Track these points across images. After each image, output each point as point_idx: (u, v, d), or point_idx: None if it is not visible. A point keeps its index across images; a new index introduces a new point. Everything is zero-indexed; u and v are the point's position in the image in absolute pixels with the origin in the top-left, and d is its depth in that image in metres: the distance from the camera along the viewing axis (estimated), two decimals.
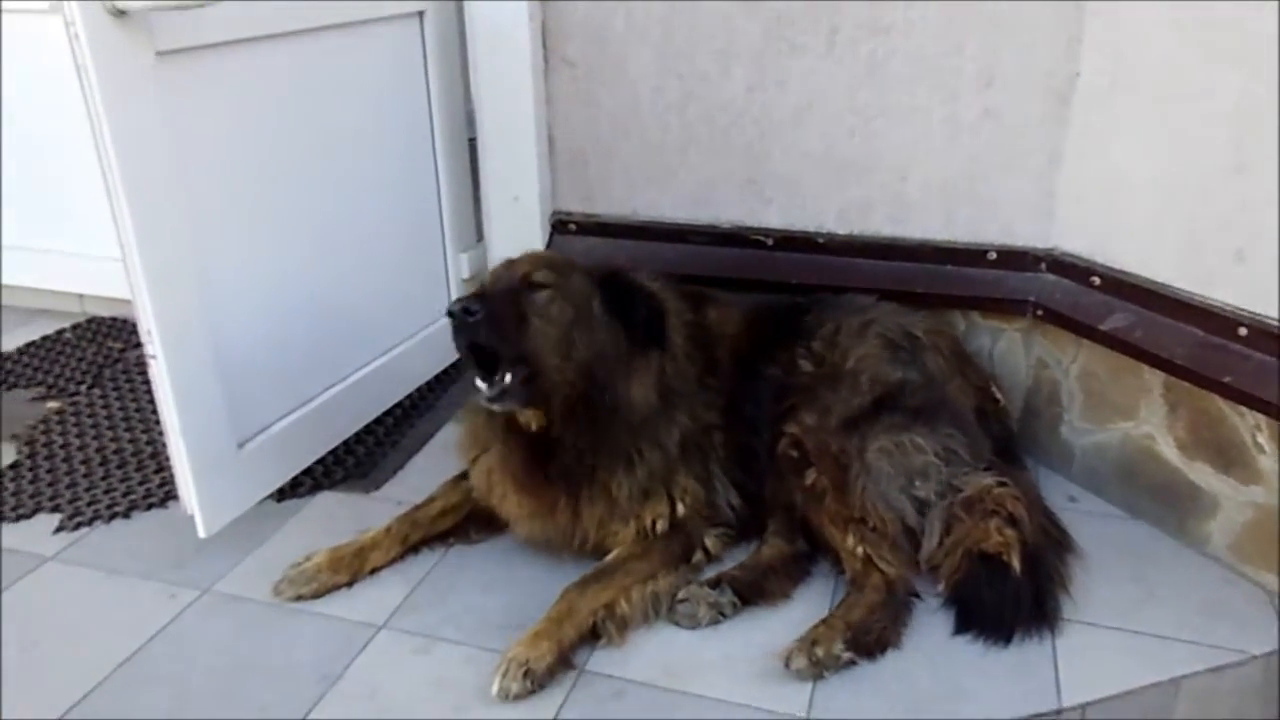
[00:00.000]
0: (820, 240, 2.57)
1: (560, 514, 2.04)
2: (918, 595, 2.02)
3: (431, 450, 2.62)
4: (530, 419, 1.98)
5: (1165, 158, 2.12)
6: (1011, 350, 2.52)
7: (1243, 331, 2.01)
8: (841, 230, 2.56)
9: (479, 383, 1.89)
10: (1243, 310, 2.02)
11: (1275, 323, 1.96)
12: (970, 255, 2.47)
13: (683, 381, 2.09)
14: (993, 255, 2.45)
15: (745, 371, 2.23)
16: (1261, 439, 2.01)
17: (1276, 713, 1.87)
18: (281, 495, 2.41)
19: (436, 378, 2.90)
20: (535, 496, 2.04)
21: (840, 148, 2.49)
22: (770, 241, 2.61)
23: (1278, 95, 1.88)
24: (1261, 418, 1.99)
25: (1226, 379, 2.01)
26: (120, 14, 1.76)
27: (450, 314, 1.85)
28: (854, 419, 2.10)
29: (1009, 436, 2.35)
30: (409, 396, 2.82)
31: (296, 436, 2.41)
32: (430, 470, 2.47)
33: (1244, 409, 2.02)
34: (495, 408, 1.93)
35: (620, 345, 1.98)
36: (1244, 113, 1.95)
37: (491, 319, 1.85)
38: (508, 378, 1.87)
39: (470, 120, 2.79)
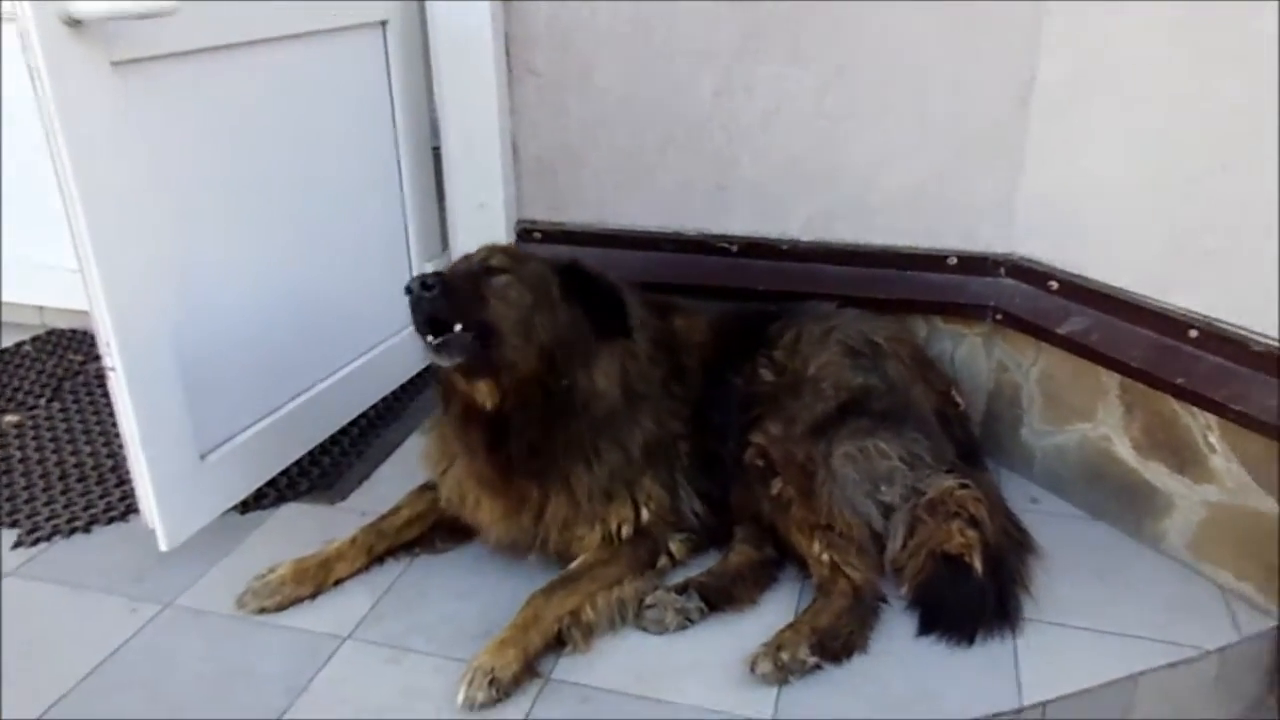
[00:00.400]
0: (785, 247, 2.59)
1: (525, 514, 2.03)
2: (884, 599, 2.04)
3: (398, 460, 2.61)
4: (485, 395, 1.94)
5: (1122, 164, 2.16)
6: (973, 354, 2.55)
7: (1194, 334, 2.05)
8: (806, 237, 2.58)
9: (427, 338, 1.85)
10: (1194, 314, 2.07)
11: (1225, 326, 2.01)
12: (932, 260, 2.50)
13: (647, 386, 2.10)
14: (954, 260, 2.49)
15: (711, 380, 2.25)
16: (1213, 439, 2.06)
17: (1231, 707, 1.91)
18: (245, 507, 2.38)
19: (403, 386, 2.89)
20: (503, 494, 2.03)
21: (807, 154, 2.51)
22: (735, 249, 2.63)
23: (1245, 102, 1.93)
24: (1213, 418, 2.03)
25: (1179, 380, 2.06)
26: (75, 23, 1.74)
27: (408, 290, 1.83)
28: (819, 426, 2.12)
29: (971, 439, 2.37)
30: (375, 405, 2.81)
31: (260, 448, 2.39)
32: (396, 480, 2.45)
33: (1196, 410, 2.06)
34: (442, 361, 1.87)
35: (581, 332, 1.97)
36: (1204, 120, 1.99)
37: (449, 294, 1.83)
38: (457, 328, 1.83)
39: (435, 128, 2.79)
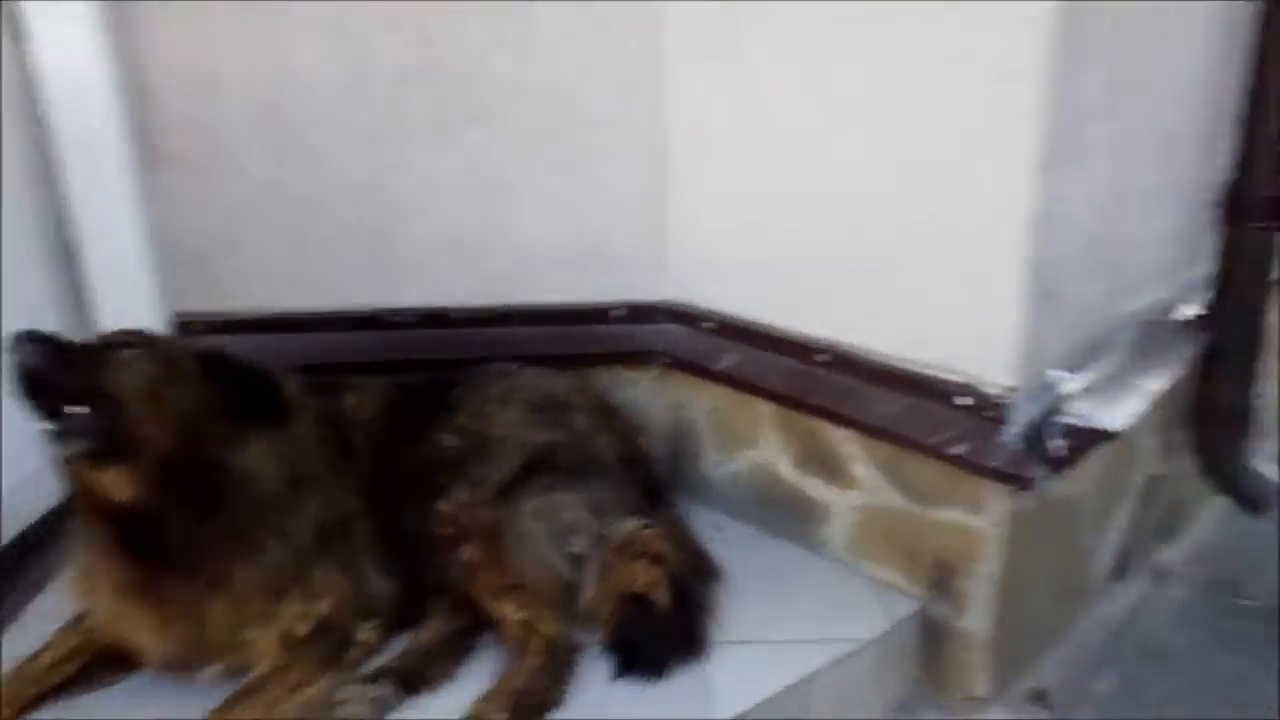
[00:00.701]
0: (458, 315, 2.62)
1: (181, 621, 1.87)
2: (579, 650, 2.07)
3: (50, 595, 2.32)
4: (119, 485, 1.77)
5: (745, 214, 2.40)
6: (651, 397, 2.70)
7: (823, 358, 2.30)
8: (477, 303, 2.63)
9: (43, 423, 1.67)
10: (822, 340, 2.31)
11: (846, 348, 2.27)
12: (600, 314, 2.63)
13: (313, 468, 2.02)
14: (621, 312, 2.63)
15: (389, 454, 2.21)
16: (852, 448, 2.30)
17: (893, 689, 2.12)
18: None
19: (51, 514, 2.58)
20: (153, 603, 1.86)
21: (467, 226, 2.57)
22: (409, 321, 2.62)
23: (820, 161, 2.20)
24: (848, 431, 2.28)
25: (816, 401, 2.29)
26: None
27: (10, 349, 1.63)
28: (505, 487, 2.15)
29: (656, 480, 2.49)
30: (16, 540, 2.49)
31: None
32: (51, 616, 2.18)
33: (834, 425, 2.30)
34: (64, 447, 1.71)
35: (225, 410, 1.85)
36: (800, 174, 2.25)
37: (62, 360, 1.67)
38: (77, 409, 1.67)
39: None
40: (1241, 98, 2.44)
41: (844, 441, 2.31)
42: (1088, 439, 2.09)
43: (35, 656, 1.98)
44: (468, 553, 2.09)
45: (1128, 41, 2.08)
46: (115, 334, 1.88)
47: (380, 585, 2.12)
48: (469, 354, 2.55)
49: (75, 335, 2.60)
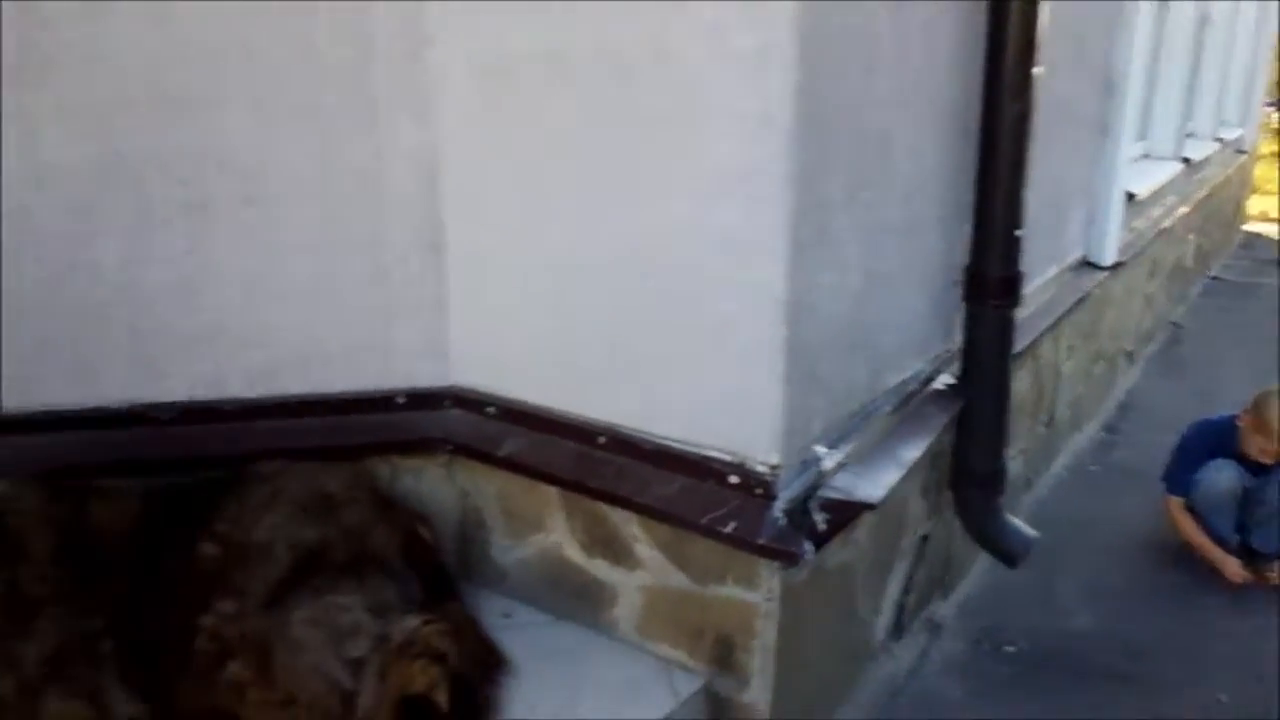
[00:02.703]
0: (227, 408, 2.48)
1: None
2: None
3: None
4: None
5: (524, 296, 2.41)
6: (438, 485, 2.64)
7: (602, 440, 2.33)
8: (249, 394, 2.50)
9: None
10: (600, 422, 2.34)
11: (624, 431, 2.30)
12: (380, 402, 2.55)
13: (47, 589, 1.87)
14: (402, 399, 2.57)
15: (142, 568, 2.06)
16: (635, 530, 2.33)
17: None
18: None
19: None
20: None
21: (233, 317, 2.44)
22: (172, 415, 2.46)
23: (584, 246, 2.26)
24: (630, 512, 2.30)
25: (596, 483, 2.31)
26: None
27: None
28: (274, 593, 2.05)
29: (441, 571, 2.42)
30: None
31: None
32: None
33: (614, 507, 2.32)
34: None
35: None
36: (567, 260, 2.31)
37: None
38: None
39: None
40: (974, 190, 2.70)
41: (626, 523, 2.33)
42: (848, 511, 2.21)
43: None
44: (234, 669, 1.97)
45: (868, 140, 2.27)
46: None
47: (126, 712, 1.94)
48: (239, 449, 2.42)
49: None
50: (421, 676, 2.03)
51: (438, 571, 2.41)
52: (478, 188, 2.41)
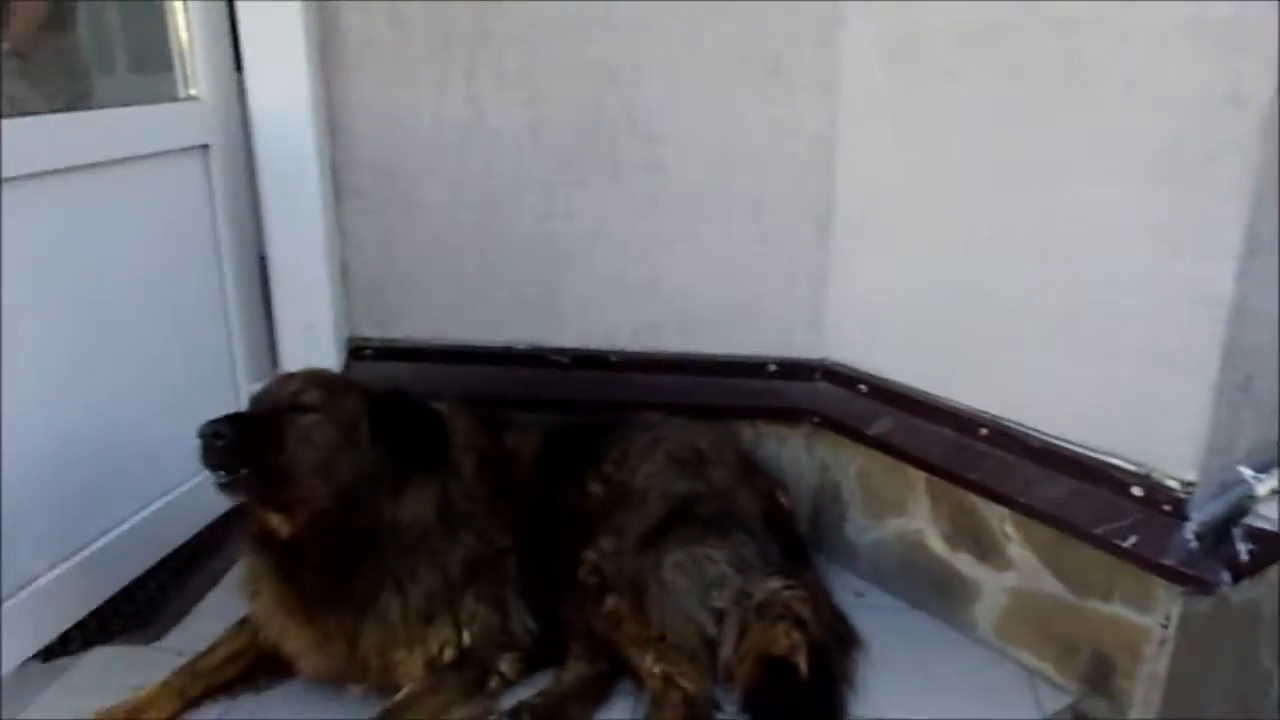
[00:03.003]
0: (614, 359, 2.67)
1: (336, 641, 1.98)
2: (720, 708, 2.06)
3: (221, 591, 2.49)
4: (279, 524, 1.93)
5: (911, 279, 2.36)
6: (797, 455, 2.67)
7: (984, 432, 2.23)
8: (634, 348, 2.68)
9: (215, 474, 1.83)
10: (983, 413, 2.24)
11: (1009, 423, 2.19)
12: (752, 368, 2.63)
13: (471, 504, 2.10)
14: (772, 367, 2.62)
15: (541, 496, 2.27)
16: (1008, 529, 2.21)
17: None
18: (49, 654, 2.22)
19: (226, 515, 2.77)
20: (308, 623, 1.98)
21: (628, 272, 2.62)
22: (567, 360, 2.69)
23: (997, 229, 2.16)
24: (1006, 509, 2.19)
25: (973, 476, 2.21)
26: None
27: (200, 435, 1.80)
28: (648, 537, 2.16)
29: (797, 539, 2.46)
30: (198, 535, 2.69)
31: (67, 589, 2.24)
32: (220, 614, 2.33)
33: (991, 502, 2.22)
34: (226, 495, 1.87)
35: (389, 469, 1.96)
36: (969, 243, 2.21)
37: (242, 444, 1.81)
38: (243, 471, 1.82)
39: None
40: None
41: (1000, 520, 2.22)
42: (1277, 546, 1.95)
43: (207, 653, 2.12)
44: (612, 602, 2.11)
45: None
46: (302, 384, 1.98)
47: (523, 622, 2.16)
48: (620, 398, 2.61)
49: (261, 350, 2.82)
50: (784, 639, 2.07)
51: (794, 539, 2.44)
52: (873, 164, 2.39)
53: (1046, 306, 2.10)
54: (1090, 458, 2.06)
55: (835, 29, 2.37)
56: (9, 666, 2.09)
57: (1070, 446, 2.10)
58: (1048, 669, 2.18)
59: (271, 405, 1.93)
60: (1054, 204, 2.04)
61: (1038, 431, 2.15)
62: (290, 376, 2.04)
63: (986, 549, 2.27)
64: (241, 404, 2.74)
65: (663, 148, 2.52)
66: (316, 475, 1.88)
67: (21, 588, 2.13)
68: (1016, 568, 2.22)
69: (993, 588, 2.28)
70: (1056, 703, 2.12)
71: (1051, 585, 2.15)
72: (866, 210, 2.43)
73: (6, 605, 2.08)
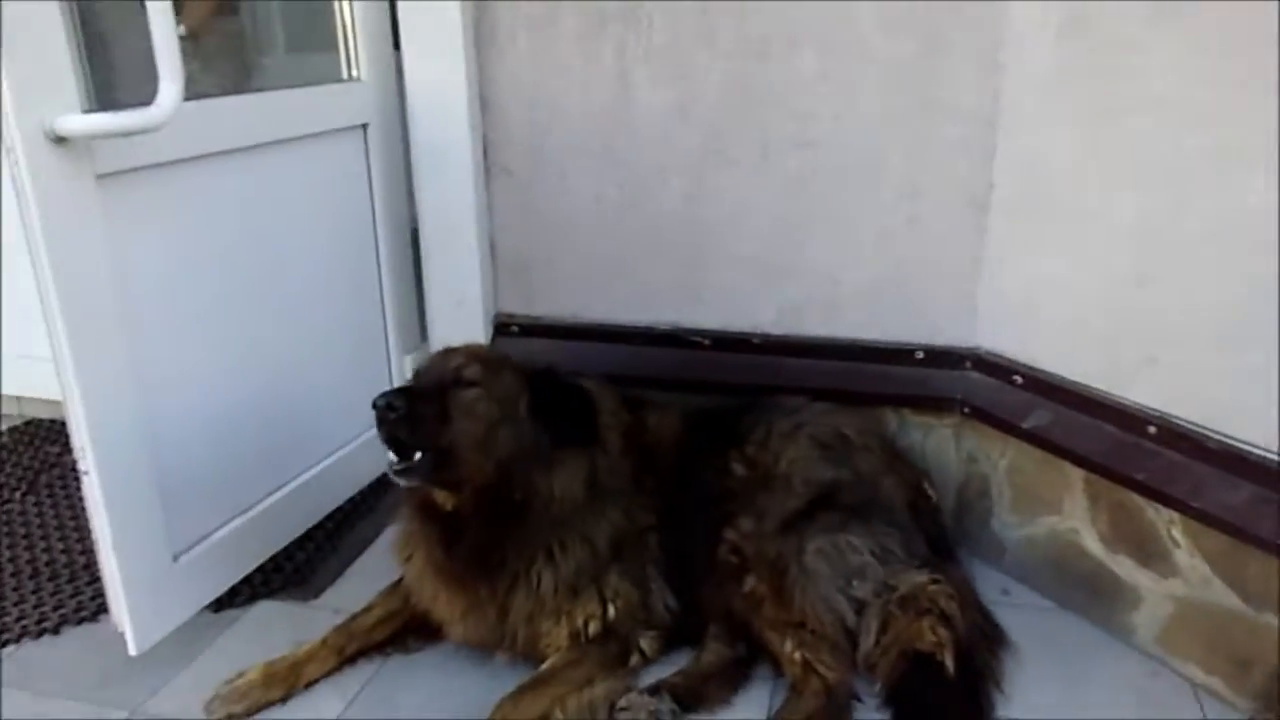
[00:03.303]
0: (756, 341, 2.64)
1: (487, 609, 2.04)
2: (858, 698, 2.04)
3: (372, 554, 2.60)
4: (444, 499, 2.01)
5: (1076, 267, 2.23)
6: (943, 446, 2.59)
7: (1152, 430, 2.10)
8: (776, 331, 2.64)
9: (390, 455, 1.91)
10: (1152, 409, 2.12)
11: (1182, 422, 2.06)
12: (899, 354, 2.56)
13: (617, 481, 2.13)
14: (920, 354, 2.54)
15: (682, 475, 2.27)
16: (1176, 534, 2.09)
17: None
18: (218, 605, 2.37)
19: (379, 480, 2.89)
20: (460, 590, 2.05)
21: (773, 254, 2.59)
22: (707, 342, 2.68)
23: (1173, 214, 2.02)
24: (1175, 513, 2.07)
25: (1139, 476, 2.10)
26: (60, 140, 1.80)
27: (374, 406, 1.88)
28: (790, 522, 2.14)
29: (942, 532, 2.40)
30: (351, 500, 2.81)
31: (235, 545, 2.38)
32: (371, 575, 2.45)
33: (1158, 505, 2.09)
34: (400, 481, 1.95)
35: (543, 443, 2.01)
36: (1144, 229, 2.07)
37: (413, 416, 1.88)
38: (417, 456, 1.90)
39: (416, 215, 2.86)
40: None
41: (1167, 524, 2.10)
42: None
43: (362, 614, 2.22)
44: (751, 584, 2.10)
45: None
46: (464, 359, 2.04)
47: (664, 600, 2.18)
48: (762, 381, 2.58)
49: (412, 323, 2.91)
50: (930, 635, 2.02)
51: (939, 532, 2.38)
52: (1039, 144, 2.26)
53: (1226, 298, 1.96)
54: (1274, 462, 1.92)
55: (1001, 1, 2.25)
56: (184, 617, 2.23)
57: (1251, 449, 1.96)
58: (1216, 683, 2.06)
59: (435, 380, 2.00)
60: (1243, 192, 1.89)
61: (1214, 431, 2.01)
62: (452, 352, 2.10)
63: (1150, 554, 2.15)
64: (396, 375, 2.88)
65: (814, 126, 2.47)
66: (478, 449, 1.94)
67: (198, 542, 2.27)
68: (1184, 575, 2.09)
69: (1156, 595, 2.16)
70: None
71: (1224, 596, 2.02)
72: (1029, 193, 2.31)
73: (185, 557, 2.22)
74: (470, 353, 2.08)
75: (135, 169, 2.00)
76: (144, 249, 2.06)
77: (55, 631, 2.31)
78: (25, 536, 2.72)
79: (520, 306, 2.83)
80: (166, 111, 1.82)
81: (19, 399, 3.51)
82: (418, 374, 2.08)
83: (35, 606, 2.39)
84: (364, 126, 2.67)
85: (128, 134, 1.84)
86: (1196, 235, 1.99)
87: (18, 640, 2.27)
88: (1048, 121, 2.23)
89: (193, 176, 2.15)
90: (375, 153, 2.71)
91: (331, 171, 2.60)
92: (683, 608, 2.20)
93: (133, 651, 2.08)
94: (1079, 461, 2.24)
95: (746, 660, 2.14)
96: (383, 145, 2.73)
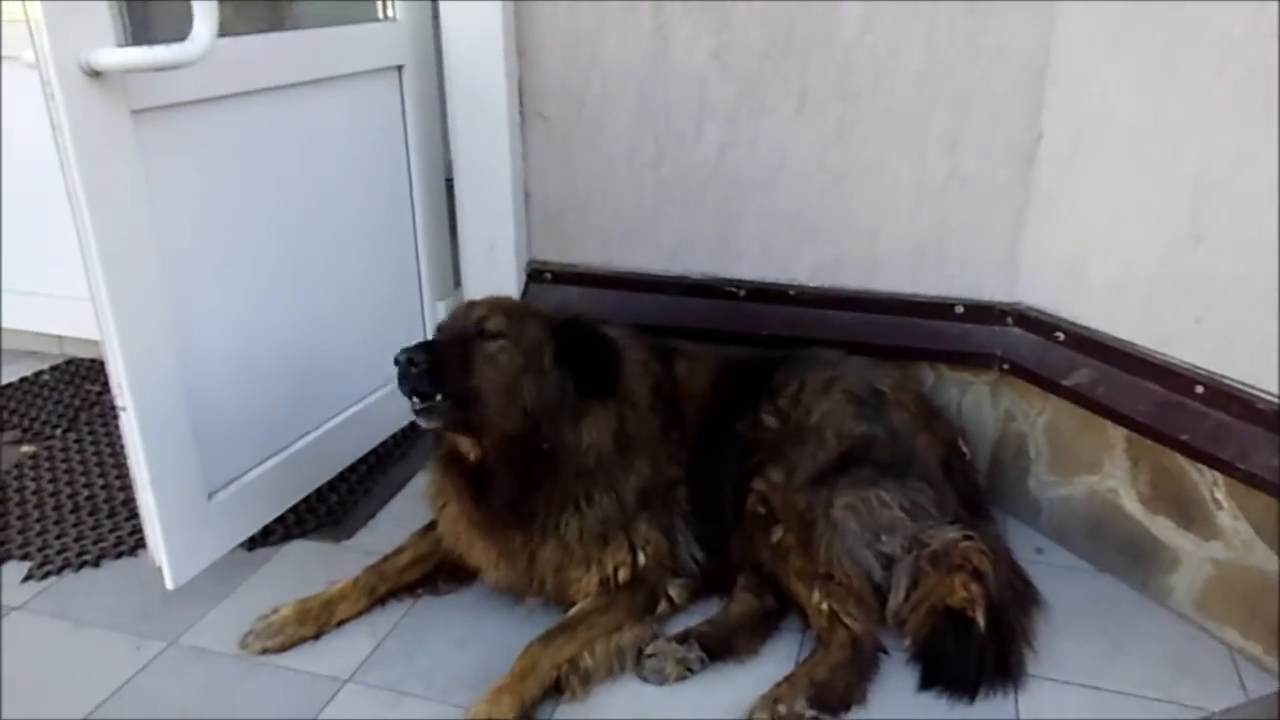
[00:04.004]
0: (791, 293, 2.60)
1: (517, 558, 2.06)
2: (885, 651, 2.03)
3: (404, 498, 2.62)
4: (467, 447, 2.01)
5: (1126, 222, 2.17)
6: (979, 403, 2.55)
7: (1200, 390, 2.05)
8: (812, 283, 2.60)
9: (411, 400, 1.91)
10: (1200, 369, 2.06)
11: (1231, 382, 2.00)
12: (938, 309, 2.51)
13: (644, 431, 2.12)
14: (960, 309, 2.49)
15: (711, 426, 2.25)
16: (1219, 495, 2.04)
17: None
18: (252, 544, 2.41)
19: (411, 425, 2.89)
20: (492, 539, 2.06)
21: (811, 206, 2.53)
22: (742, 293, 2.64)
23: (1233, 169, 1.94)
24: (1219, 475, 2.02)
25: (1184, 436, 2.05)
26: (95, 74, 1.79)
27: (396, 362, 1.88)
28: (820, 475, 2.12)
29: (976, 489, 2.36)
30: (383, 443, 2.83)
31: (269, 485, 2.41)
32: (402, 518, 2.48)
33: (1202, 466, 2.05)
34: (421, 422, 1.94)
35: (569, 393, 2.00)
36: (1201, 185, 2.00)
37: (435, 368, 1.88)
38: (438, 397, 1.90)
39: (449, 164, 2.83)
40: None
41: (1210, 486, 2.05)
42: None
43: (394, 555, 2.24)
44: (779, 535, 2.09)
45: None
46: (488, 310, 2.03)
47: (691, 550, 2.19)
48: (797, 333, 2.55)
49: (445, 269, 2.90)
50: (961, 591, 2.00)
51: (974, 490, 2.35)
52: (1090, 94, 2.19)
53: None
54: None
55: None
56: (219, 553, 2.27)
57: None
58: (1254, 649, 2.02)
59: (459, 332, 1.99)
60: None
61: (1264, 392, 1.95)
62: (475, 304, 2.09)
63: (1191, 516, 2.11)
64: (429, 321, 2.88)
65: (855, 76, 2.40)
66: (502, 398, 1.93)
67: (232, 480, 2.30)
68: (1225, 538, 2.05)
69: (1195, 557, 2.12)
70: (1263, 686, 1.96)
71: (1266, 560, 1.98)
72: (1078, 145, 2.24)
73: (220, 495, 2.25)
74: (493, 304, 2.07)
75: (170, 105, 1.99)
76: (179, 187, 2.06)
77: (95, 564, 2.35)
78: (66, 472, 2.77)
79: (554, 254, 2.81)
80: (201, 47, 1.81)
81: (60, 338, 3.56)
82: (440, 329, 2.07)
83: (76, 540, 2.44)
84: (399, 68, 2.64)
85: (162, 68, 1.82)
86: (1259, 190, 1.91)
87: (59, 572, 2.32)
88: (1104, 72, 2.15)
89: (227, 114, 2.14)
90: (410, 95, 2.68)
91: (366, 113, 2.58)
92: (711, 559, 2.20)
93: (170, 585, 2.12)
94: (1121, 421, 2.19)
95: (775, 612, 2.14)
96: (418, 88, 2.70)
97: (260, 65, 2.22)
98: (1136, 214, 2.14)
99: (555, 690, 1.92)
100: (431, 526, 2.26)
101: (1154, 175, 2.08)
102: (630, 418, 2.10)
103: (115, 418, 3.00)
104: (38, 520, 2.53)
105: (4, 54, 3.07)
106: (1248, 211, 1.93)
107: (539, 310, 2.13)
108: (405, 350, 1.89)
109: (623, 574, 2.06)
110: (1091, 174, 2.22)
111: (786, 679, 1.92)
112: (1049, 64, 2.26)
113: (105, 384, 3.26)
